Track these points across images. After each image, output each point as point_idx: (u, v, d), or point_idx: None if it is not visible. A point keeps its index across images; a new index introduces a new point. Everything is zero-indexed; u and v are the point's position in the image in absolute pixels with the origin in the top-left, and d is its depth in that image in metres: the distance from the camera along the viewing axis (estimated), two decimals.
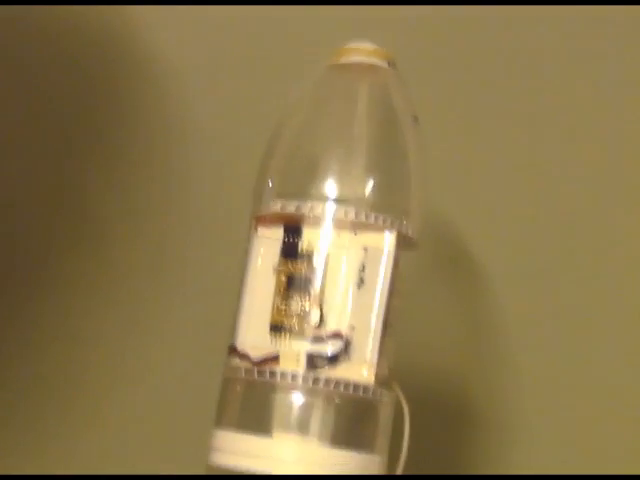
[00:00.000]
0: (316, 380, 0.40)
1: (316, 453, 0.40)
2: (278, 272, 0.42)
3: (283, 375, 0.40)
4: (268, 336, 0.41)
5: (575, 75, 0.60)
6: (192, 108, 0.61)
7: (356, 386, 0.40)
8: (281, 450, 0.40)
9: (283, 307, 0.41)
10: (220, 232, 0.60)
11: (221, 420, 0.42)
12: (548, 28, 0.60)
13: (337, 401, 0.41)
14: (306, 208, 0.41)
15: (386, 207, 0.42)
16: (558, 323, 0.58)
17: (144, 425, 0.59)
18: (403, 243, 0.42)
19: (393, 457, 0.43)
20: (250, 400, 0.42)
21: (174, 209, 0.60)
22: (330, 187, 0.41)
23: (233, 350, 0.42)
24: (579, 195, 0.59)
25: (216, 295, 0.58)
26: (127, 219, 0.60)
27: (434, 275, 0.58)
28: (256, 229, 0.43)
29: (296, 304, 0.41)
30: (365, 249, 0.41)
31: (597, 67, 0.60)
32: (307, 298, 0.41)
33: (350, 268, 0.41)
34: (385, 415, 0.42)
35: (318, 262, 0.41)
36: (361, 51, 0.44)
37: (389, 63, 0.45)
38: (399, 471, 0.43)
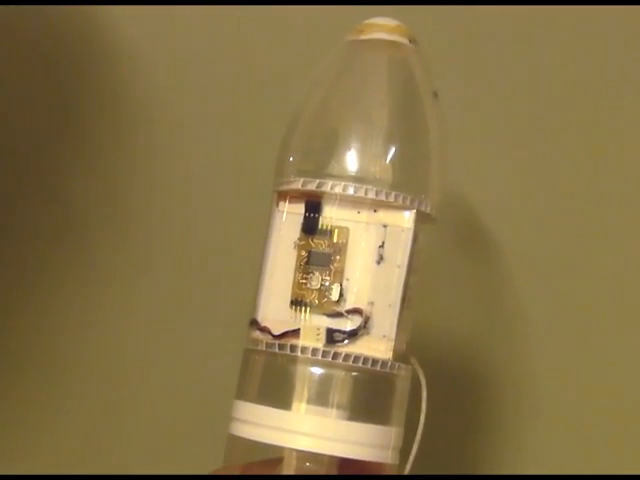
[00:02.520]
0: (336, 355, 0.41)
1: (334, 425, 0.41)
2: (299, 247, 0.43)
3: (304, 349, 0.41)
4: (289, 310, 0.42)
5: (605, 52, 0.60)
6: (178, 102, 0.61)
7: (375, 361, 0.41)
8: (299, 422, 0.41)
9: (304, 282, 0.42)
10: (212, 221, 0.61)
11: (242, 391, 0.43)
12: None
13: (355, 375, 0.41)
14: (327, 186, 0.42)
15: (406, 184, 0.42)
16: (577, 297, 0.58)
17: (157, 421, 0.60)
18: (422, 219, 0.43)
19: (412, 429, 0.44)
20: (270, 373, 0.43)
21: (163, 200, 0.61)
22: (350, 165, 0.42)
23: (254, 323, 0.43)
24: (603, 171, 0.59)
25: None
26: (114, 214, 0.61)
27: (452, 250, 0.58)
28: (277, 204, 0.44)
29: (316, 279, 0.42)
30: (385, 226, 0.42)
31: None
32: (327, 274, 0.42)
33: (369, 245, 0.42)
34: (402, 388, 0.43)
35: (338, 239, 0.42)
36: (382, 27, 0.44)
37: (410, 40, 0.45)
38: (416, 442, 0.44)
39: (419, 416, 0.44)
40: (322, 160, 0.43)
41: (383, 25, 0.45)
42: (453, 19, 0.59)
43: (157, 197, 0.61)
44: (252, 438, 0.42)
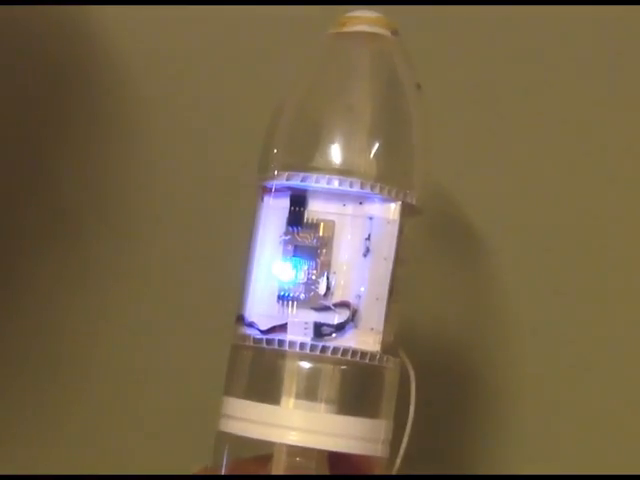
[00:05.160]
0: (324, 348, 0.41)
1: (323, 419, 0.41)
2: (285, 241, 0.42)
3: (291, 344, 0.41)
4: (276, 305, 0.42)
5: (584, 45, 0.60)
6: (168, 102, 0.61)
7: (363, 354, 0.41)
8: (288, 417, 0.41)
9: (290, 276, 0.42)
10: (201, 218, 0.61)
11: (230, 387, 0.43)
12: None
13: (344, 368, 0.41)
14: (311, 180, 0.42)
15: (391, 176, 0.42)
16: (564, 291, 0.58)
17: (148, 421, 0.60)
18: (407, 211, 0.43)
19: (401, 422, 0.44)
20: (258, 368, 0.42)
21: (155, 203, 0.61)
22: (335, 158, 0.42)
23: (241, 319, 0.43)
24: (587, 166, 0.59)
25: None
26: (108, 213, 0.61)
27: (439, 242, 0.58)
28: (262, 199, 0.44)
29: (303, 273, 0.42)
30: (370, 218, 0.42)
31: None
32: (314, 267, 0.42)
33: (356, 237, 0.42)
34: (391, 381, 0.43)
35: (324, 232, 0.42)
36: (364, 20, 0.44)
37: (392, 32, 0.45)
38: (406, 435, 0.44)
39: (408, 408, 0.44)
40: (306, 154, 0.42)
41: (365, 17, 0.45)
42: (438, 15, 0.59)
43: (148, 194, 0.61)
44: (241, 434, 0.41)
